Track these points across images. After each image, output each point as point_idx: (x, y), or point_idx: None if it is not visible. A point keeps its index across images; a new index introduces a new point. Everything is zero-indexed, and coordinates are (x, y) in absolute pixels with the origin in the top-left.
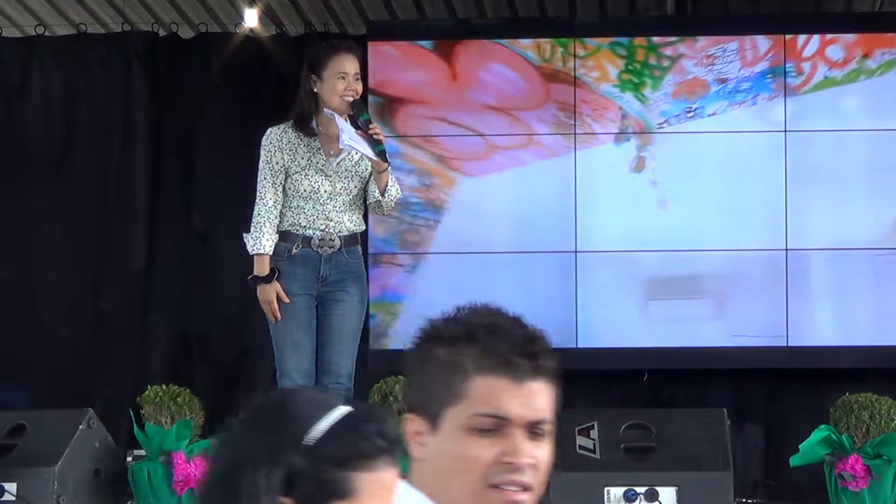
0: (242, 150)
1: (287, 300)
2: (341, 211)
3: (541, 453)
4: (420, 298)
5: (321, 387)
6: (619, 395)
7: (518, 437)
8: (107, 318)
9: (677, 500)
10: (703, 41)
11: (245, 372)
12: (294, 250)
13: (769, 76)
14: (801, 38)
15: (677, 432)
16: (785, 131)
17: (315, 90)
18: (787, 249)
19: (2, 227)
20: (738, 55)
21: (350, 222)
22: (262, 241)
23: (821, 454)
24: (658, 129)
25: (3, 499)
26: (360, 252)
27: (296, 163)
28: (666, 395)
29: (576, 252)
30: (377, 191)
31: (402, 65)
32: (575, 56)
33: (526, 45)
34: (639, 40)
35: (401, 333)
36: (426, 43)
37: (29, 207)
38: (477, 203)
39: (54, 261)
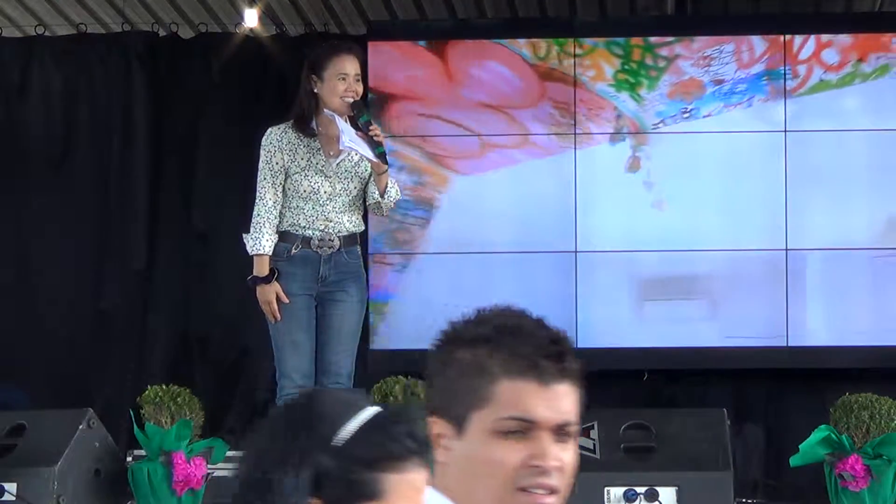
0: (242, 150)
1: (286, 300)
2: (341, 212)
3: (567, 456)
4: (411, 298)
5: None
6: (619, 395)
7: (545, 439)
8: (107, 318)
9: (677, 500)
10: (699, 42)
11: (245, 372)
12: (293, 251)
13: (765, 78)
14: (798, 41)
15: (677, 432)
16: (785, 131)
17: (315, 91)
18: (786, 249)
19: (2, 227)
20: (735, 57)
21: (349, 223)
22: (261, 241)
23: (821, 454)
24: (653, 129)
25: (3, 499)
26: (360, 252)
27: (296, 163)
28: (666, 395)
29: (576, 252)
30: (377, 192)
31: (397, 63)
32: (574, 55)
33: (521, 42)
34: (635, 40)
35: (386, 333)
36: (422, 41)
37: (29, 207)
38: (471, 201)
39: (54, 261)
